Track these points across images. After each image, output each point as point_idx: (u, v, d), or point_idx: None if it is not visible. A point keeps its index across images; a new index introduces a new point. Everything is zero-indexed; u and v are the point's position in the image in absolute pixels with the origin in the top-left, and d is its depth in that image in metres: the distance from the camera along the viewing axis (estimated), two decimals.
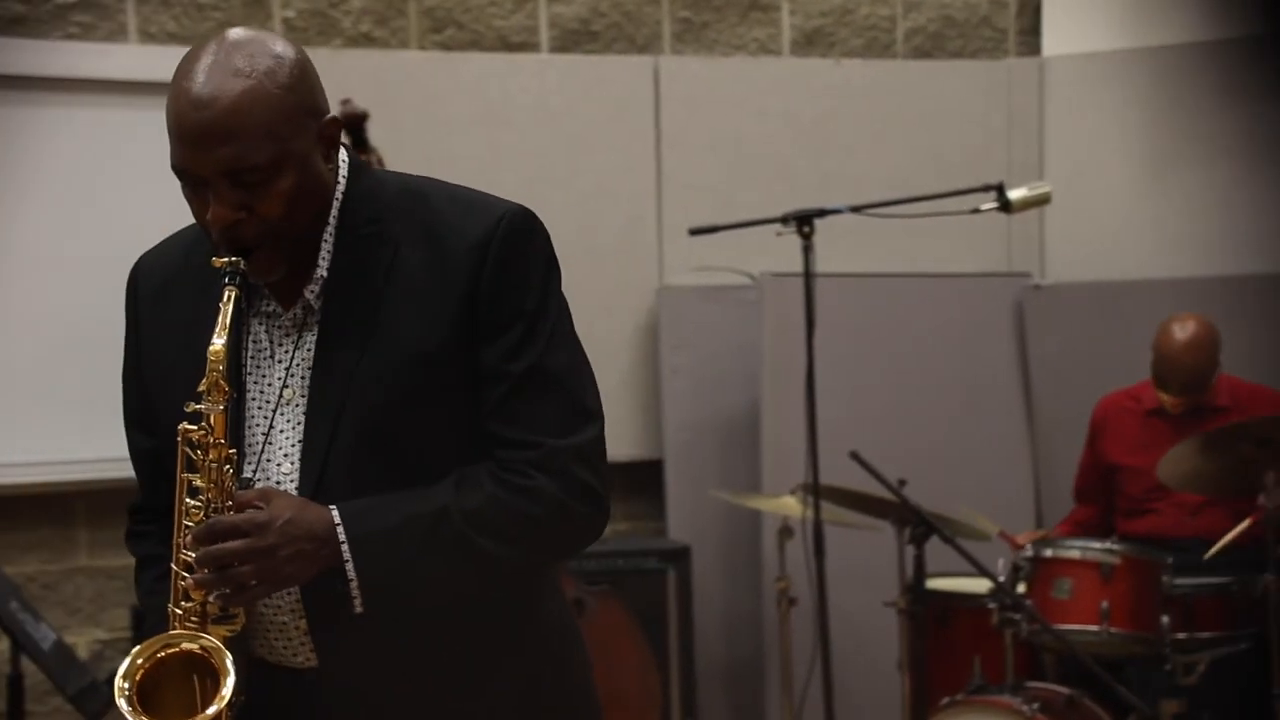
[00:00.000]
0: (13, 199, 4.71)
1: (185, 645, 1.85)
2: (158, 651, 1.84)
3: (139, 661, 1.83)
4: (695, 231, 4.36)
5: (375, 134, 4.24)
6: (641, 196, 5.38)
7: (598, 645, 4.37)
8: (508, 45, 5.40)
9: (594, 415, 2.00)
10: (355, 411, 1.92)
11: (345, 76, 4.94)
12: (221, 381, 1.85)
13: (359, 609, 1.89)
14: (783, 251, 4.34)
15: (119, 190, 4.69)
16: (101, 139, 4.77)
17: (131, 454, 2.12)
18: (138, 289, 2.09)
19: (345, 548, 1.87)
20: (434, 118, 5.16)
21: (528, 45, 5.42)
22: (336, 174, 1.97)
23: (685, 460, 5.27)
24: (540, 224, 2.01)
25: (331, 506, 1.89)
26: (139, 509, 2.14)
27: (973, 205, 4.17)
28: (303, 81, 1.89)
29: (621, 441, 5.28)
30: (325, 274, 1.95)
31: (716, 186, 5.37)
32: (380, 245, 1.95)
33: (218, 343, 1.84)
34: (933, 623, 4.14)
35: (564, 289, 5.64)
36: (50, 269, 4.70)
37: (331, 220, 1.96)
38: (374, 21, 5.26)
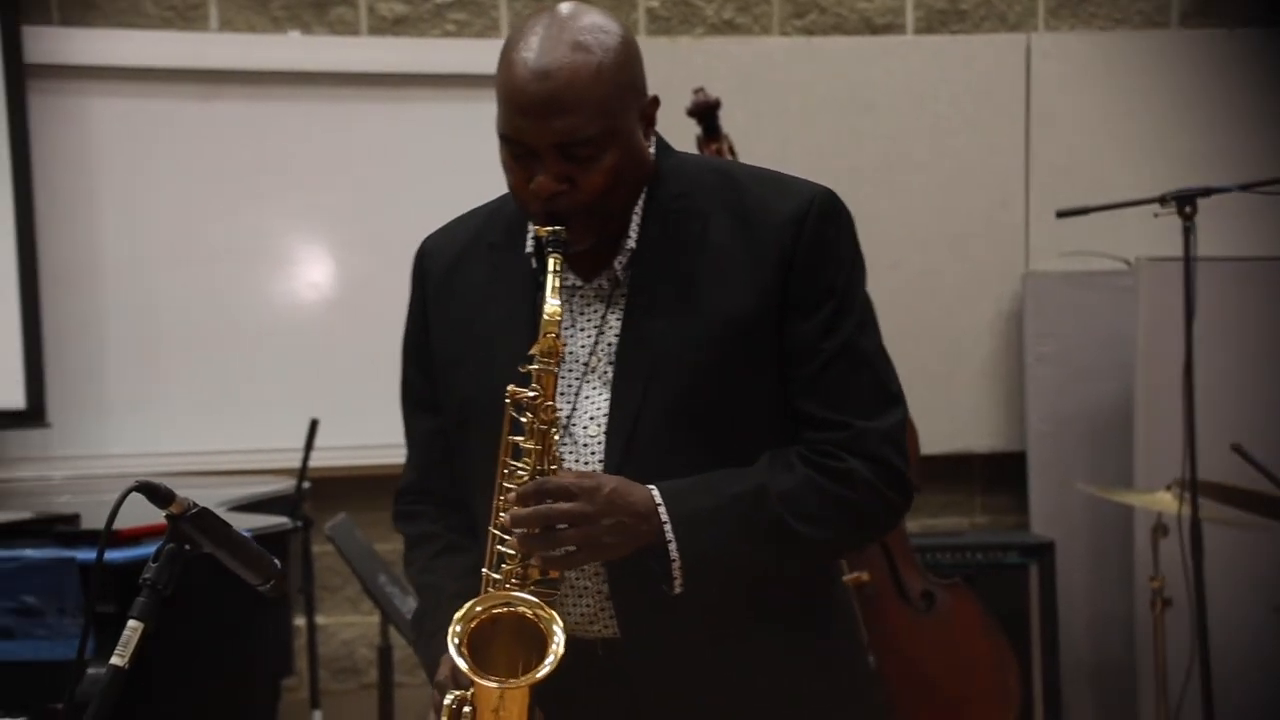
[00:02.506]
0: (412, 192, 4.94)
1: (522, 610, 1.84)
2: (495, 607, 1.84)
3: (477, 609, 1.83)
4: (1064, 214, 4.18)
5: (731, 121, 4.24)
6: (1008, 178, 5.22)
7: (947, 639, 4.30)
8: (872, 28, 5.32)
9: (899, 398, 1.97)
10: (663, 380, 1.91)
11: (706, 64, 5.01)
12: (557, 344, 1.85)
13: (678, 589, 1.87)
14: (1160, 234, 4.11)
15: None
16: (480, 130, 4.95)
17: (410, 435, 2.15)
18: (425, 269, 2.12)
19: (667, 527, 1.85)
20: (792, 103, 5.14)
21: (893, 27, 5.33)
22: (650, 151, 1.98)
23: (1050, 452, 5.08)
24: (846, 207, 1.99)
25: (651, 486, 1.87)
26: (409, 490, 2.16)
27: None
28: (631, 60, 1.90)
29: (981, 433, 5.18)
30: (634, 245, 1.96)
31: (1088, 166, 5.17)
32: (690, 218, 1.95)
33: (553, 304, 1.84)
34: None
35: (924, 273, 5.53)
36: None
37: (642, 194, 1.97)
38: (737, 9, 5.26)
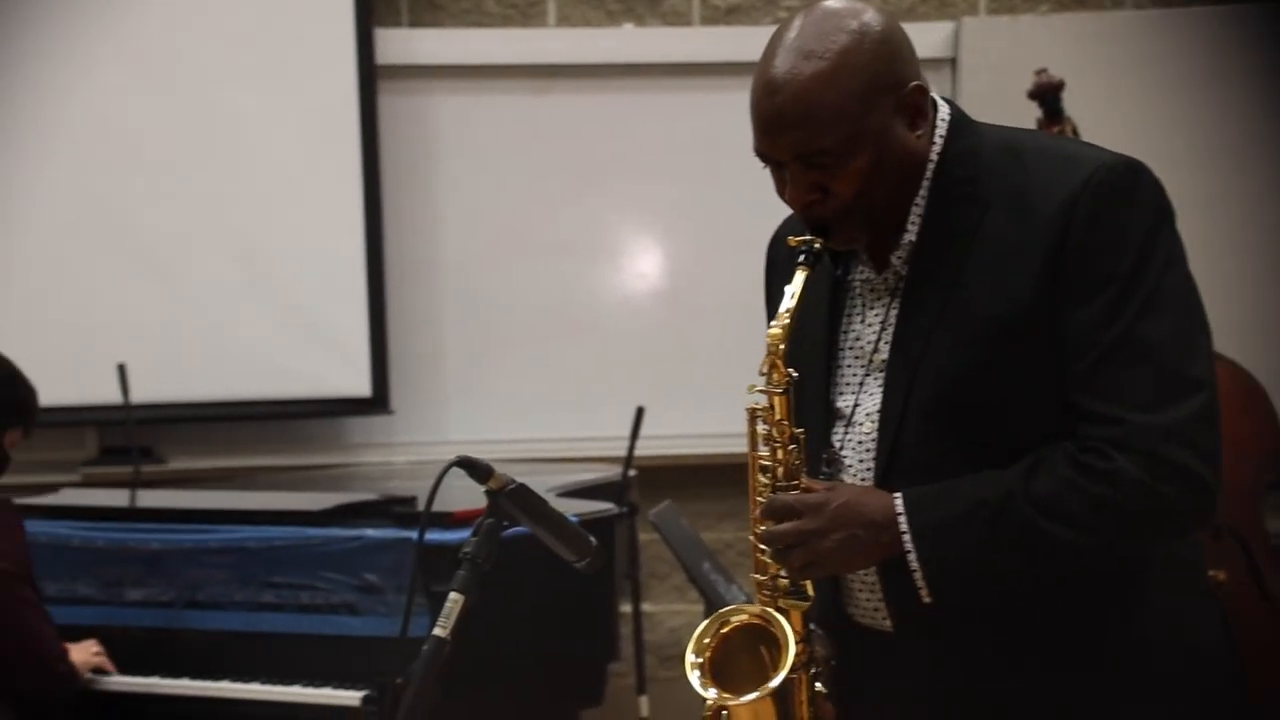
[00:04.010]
0: (742, 182, 4.89)
1: (738, 619, 1.88)
2: (720, 628, 1.89)
3: (705, 640, 1.88)
4: None
5: (1076, 101, 4.06)
6: None
7: None
8: None
9: (1198, 386, 1.79)
10: (929, 379, 1.86)
11: (1049, 41, 4.83)
12: (779, 363, 1.85)
13: (926, 599, 1.84)
14: None
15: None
16: None
17: None
18: (773, 257, 2.13)
19: (907, 538, 1.82)
20: (1144, 80, 4.88)
21: None
22: (931, 136, 1.90)
23: None
24: (1146, 176, 1.83)
25: (896, 494, 1.84)
26: None
27: None
28: (881, 56, 1.83)
29: None
30: (913, 239, 1.90)
31: None
32: (969, 207, 1.87)
33: (775, 327, 1.84)
34: None
35: None
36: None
37: (925, 183, 1.90)
38: None
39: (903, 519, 1.82)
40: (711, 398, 4.70)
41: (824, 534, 1.82)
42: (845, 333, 1.97)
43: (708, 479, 4.88)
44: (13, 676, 3.21)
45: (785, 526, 1.83)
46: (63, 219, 4.76)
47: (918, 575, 1.82)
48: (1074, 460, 1.79)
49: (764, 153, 1.86)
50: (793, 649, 1.82)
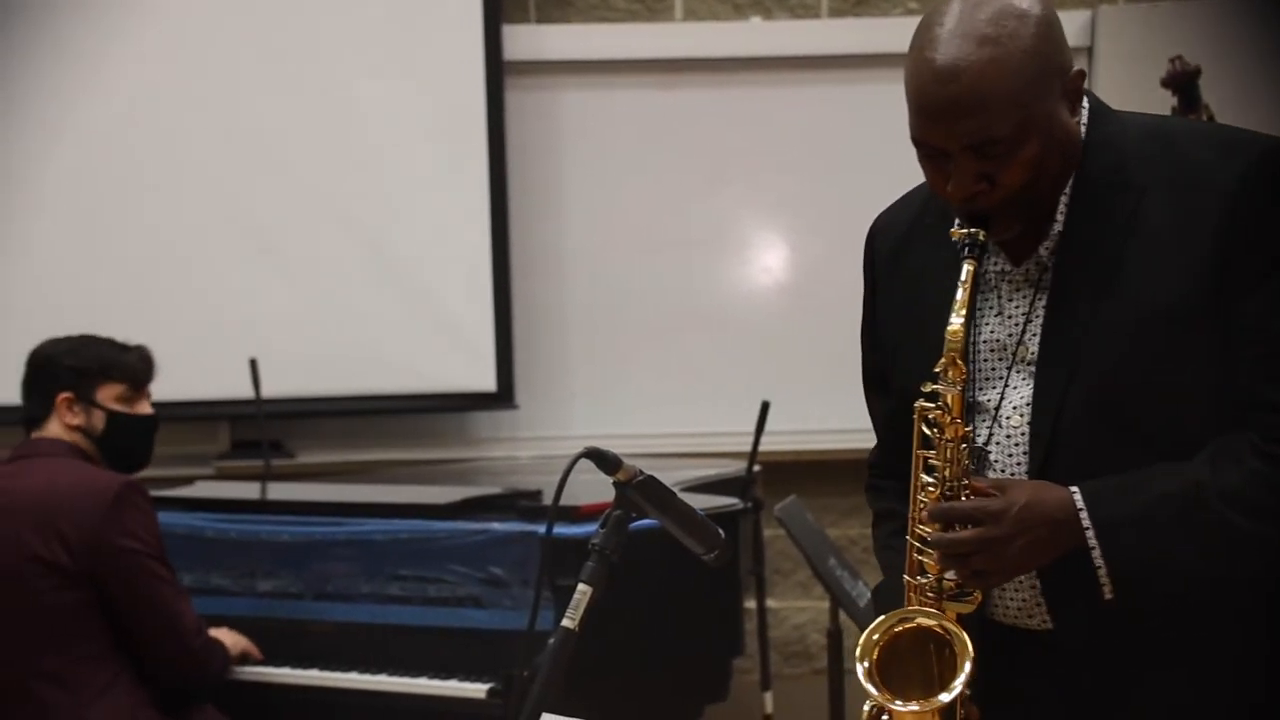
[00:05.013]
0: (871, 174, 4.86)
1: (923, 621, 1.82)
2: (894, 626, 1.83)
3: (875, 637, 1.82)
4: None
5: (1212, 87, 3.96)
6: None
7: None
8: None
9: None
10: (1087, 371, 1.81)
11: (1187, 29, 4.72)
12: (959, 361, 1.80)
13: (1108, 596, 1.77)
14: None
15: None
16: None
17: (871, 414, 2.13)
18: (875, 249, 2.08)
19: (1090, 534, 1.77)
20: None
21: None
22: (1079, 125, 1.85)
23: None
24: None
25: (1072, 487, 1.78)
26: (875, 465, 2.14)
27: None
28: (1047, 40, 1.77)
29: None
30: (1061, 229, 1.85)
31: None
32: (1120, 195, 1.81)
33: (955, 322, 1.79)
34: None
35: None
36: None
37: (1071, 173, 1.85)
38: None
39: (1084, 514, 1.77)
40: (837, 393, 4.62)
41: (1009, 540, 1.76)
42: (979, 327, 1.92)
43: (833, 475, 4.86)
44: (157, 661, 3.25)
45: (967, 534, 1.77)
46: (195, 217, 4.86)
47: (1101, 572, 1.77)
48: (1260, 451, 1.74)
49: (929, 142, 1.80)
50: (970, 655, 1.77)
